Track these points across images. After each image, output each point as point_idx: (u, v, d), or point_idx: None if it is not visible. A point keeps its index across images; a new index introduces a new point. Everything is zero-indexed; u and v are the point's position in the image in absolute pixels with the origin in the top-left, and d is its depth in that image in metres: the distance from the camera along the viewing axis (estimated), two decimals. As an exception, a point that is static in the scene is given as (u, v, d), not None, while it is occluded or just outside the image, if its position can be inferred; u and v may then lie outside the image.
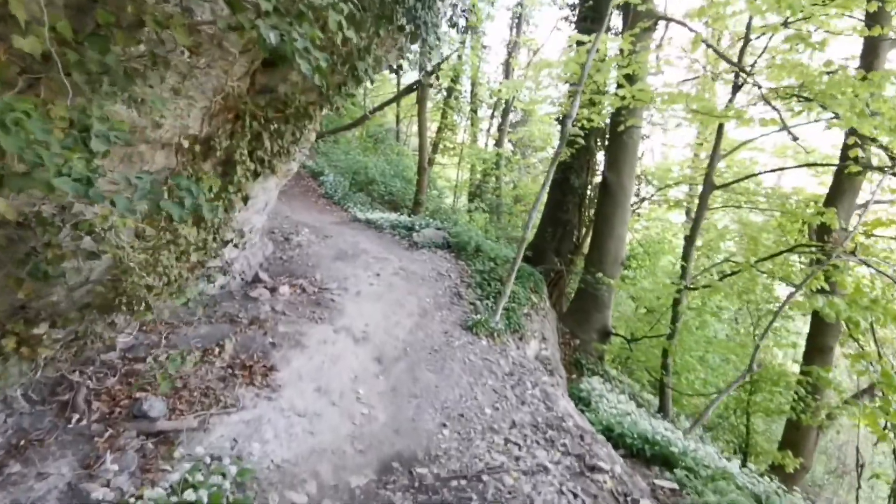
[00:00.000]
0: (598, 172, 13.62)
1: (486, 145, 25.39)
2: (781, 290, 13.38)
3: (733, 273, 9.51)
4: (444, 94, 21.83)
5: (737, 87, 9.59)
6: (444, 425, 4.72)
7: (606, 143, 12.45)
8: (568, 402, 5.83)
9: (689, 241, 10.58)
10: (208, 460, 3.36)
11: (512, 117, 24.27)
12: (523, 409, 5.31)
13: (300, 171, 14.27)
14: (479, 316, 7.27)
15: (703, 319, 13.14)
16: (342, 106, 6.05)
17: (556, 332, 9.91)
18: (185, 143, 3.74)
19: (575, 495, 4.01)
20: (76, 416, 3.51)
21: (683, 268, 10.33)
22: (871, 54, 9.10)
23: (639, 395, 11.41)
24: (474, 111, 23.56)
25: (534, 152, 25.14)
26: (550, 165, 7.35)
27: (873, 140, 7.87)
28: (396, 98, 18.79)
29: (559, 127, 19.59)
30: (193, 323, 5.42)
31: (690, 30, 9.50)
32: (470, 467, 4.20)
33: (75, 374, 3.95)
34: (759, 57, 9.47)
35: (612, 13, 9.33)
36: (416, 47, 6.90)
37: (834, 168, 9.75)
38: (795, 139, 8.13)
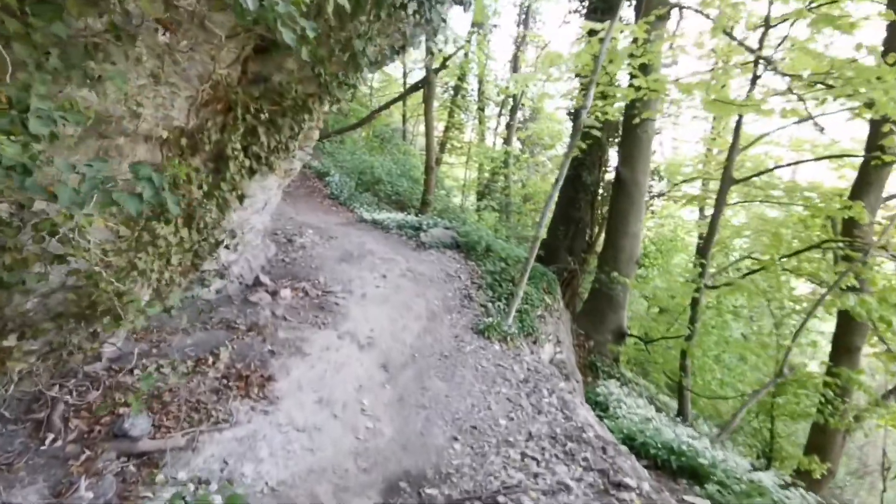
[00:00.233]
0: (611, 168, 13.22)
1: (494, 144, 25.04)
2: (800, 288, 12.94)
3: (755, 271, 9.07)
4: (451, 92, 21.55)
5: (756, 77, 9.15)
6: (456, 439, 4.36)
7: (619, 137, 12.04)
8: (587, 411, 5.46)
9: (708, 237, 10.15)
10: (192, 487, 3.03)
11: (520, 115, 23.90)
12: (540, 420, 4.94)
13: (305, 172, 14.02)
14: (490, 319, 6.91)
15: (724, 320, 12.66)
16: (343, 99, 5.72)
17: (571, 333, 9.53)
18: (168, 135, 3.42)
19: (600, 517, 3.65)
20: (51, 437, 3.19)
21: (702, 265, 9.90)
22: (894, 39, 8.67)
23: (656, 398, 11.00)
24: (481, 109, 23.25)
25: (543, 150, 24.73)
26: (564, 161, 6.97)
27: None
28: (402, 97, 18.49)
29: (569, 123, 19.25)
30: (188, 330, 5.11)
31: (706, 17, 9.11)
32: (484, 487, 3.84)
33: (55, 388, 3.64)
34: (780, 45, 9.03)
35: (624, 1, 8.94)
36: (420, 39, 6.58)
37: (855, 160, 9.31)
38: (822, 130, 7.71)
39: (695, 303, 10.04)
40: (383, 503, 3.61)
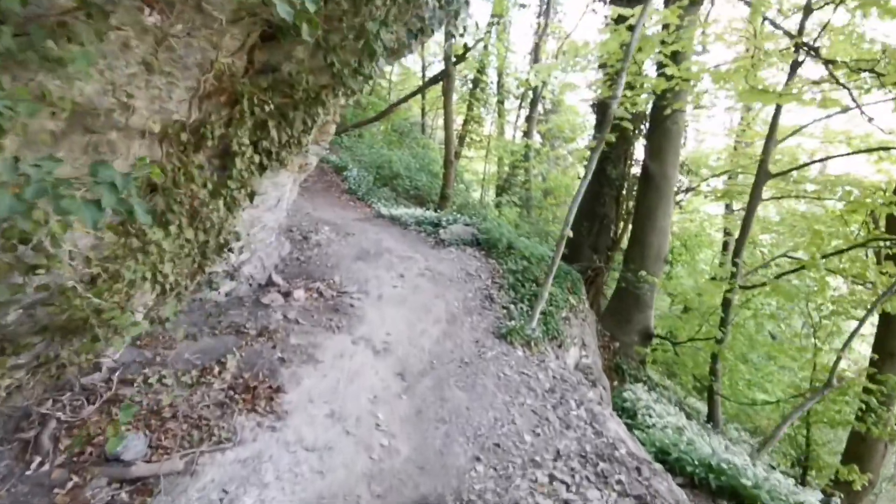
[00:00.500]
0: (637, 162, 12.71)
1: (514, 137, 24.57)
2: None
3: (795, 270, 8.54)
4: (470, 85, 21.11)
5: (797, 64, 8.60)
6: (478, 459, 4.02)
7: (647, 129, 11.52)
8: (618, 425, 5.08)
9: (742, 234, 9.65)
10: (187, 521, 2.75)
11: (540, 107, 23.37)
12: (568, 435, 4.58)
13: (323, 167, 13.80)
14: (513, 322, 6.55)
15: (758, 321, 12.08)
16: (358, 91, 5.39)
17: (596, 335, 9.13)
18: (168, 130, 3.12)
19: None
20: (38, 460, 2.93)
21: (735, 264, 9.39)
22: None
23: (685, 403, 10.55)
24: (501, 102, 22.78)
25: (563, 143, 24.19)
26: (592, 154, 6.55)
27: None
28: (421, 89, 18.12)
29: (591, 116, 18.68)
30: (195, 335, 4.86)
31: (746, 3, 8.59)
32: (510, 515, 3.50)
33: (48, 402, 3.39)
34: (822, 31, 8.45)
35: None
36: (439, 23, 6.21)
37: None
38: (870, 119, 7.18)
39: (727, 303, 9.56)
40: (399, 535, 3.30)
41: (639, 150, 12.69)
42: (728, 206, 17.47)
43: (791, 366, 12.83)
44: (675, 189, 12.06)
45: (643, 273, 10.14)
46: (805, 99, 8.05)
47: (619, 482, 3.95)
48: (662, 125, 10.27)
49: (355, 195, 12.74)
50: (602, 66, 10.37)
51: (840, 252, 8.41)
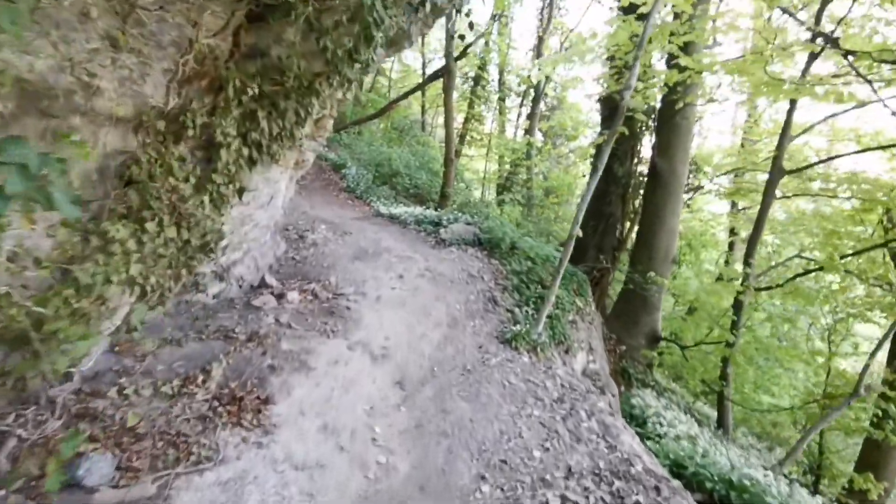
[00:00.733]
0: (643, 159, 12.36)
1: (515, 135, 24.27)
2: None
3: (811, 271, 8.21)
4: (471, 82, 20.81)
5: (814, 56, 8.26)
6: (483, 477, 3.69)
7: (655, 125, 11.17)
8: (632, 437, 4.75)
9: (754, 234, 9.31)
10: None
11: (542, 105, 23.05)
12: (579, 450, 4.25)
13: (321, 164, 13.51)
14: (518, 326, 6.22)
15: (773, 326, 11.72)
16: (355, 80, 5.07)
17: (603, 339, 8.80)
18: (138, 117, 2.80)
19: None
20: (-10, 486, 2.61)
21: (748, 264, 9.05)
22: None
23: (693, 409, 10.22)
24: (502, 100, 22.49)
25: (566, 141, 23.85)
26: (603, 148, 6.22)
27: None
28: (421, 86, 17.79)
29: (595, 112, 18.34)
30: (180, 341, 4.53)
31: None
32: (519, 542, 3.18)
33: (10, 417, 3.07)
34: (841, 21, 8.11)
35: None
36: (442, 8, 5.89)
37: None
38: (894, 113, 6.84)
39: (738, 305, 9.23)
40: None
41: (645, 147, 12.36)
42: (734, 205, 17.14)
43: (796, 368, 12.50)
44: (685, 187, 11.73)
45: (651, 274, 9.81)
46: (820, 93, 7.73)
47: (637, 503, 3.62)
48: (672, 120, 9.93)
49: (354, 193, 12.47)
50: (610, 58, 10.03)
51: (859, 253, 8.07)
